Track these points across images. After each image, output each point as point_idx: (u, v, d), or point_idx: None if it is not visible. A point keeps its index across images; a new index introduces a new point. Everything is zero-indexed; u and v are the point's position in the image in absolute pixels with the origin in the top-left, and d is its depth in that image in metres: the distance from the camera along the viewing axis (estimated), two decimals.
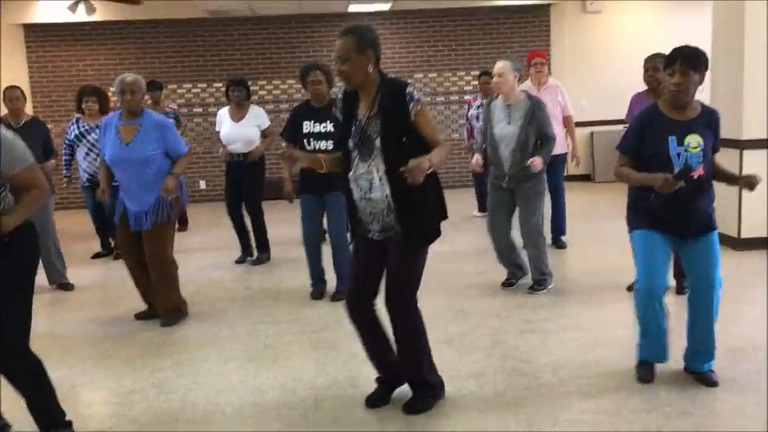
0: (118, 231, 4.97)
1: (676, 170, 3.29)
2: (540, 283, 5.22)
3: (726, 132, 6.38)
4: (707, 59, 3.33)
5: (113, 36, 10.77)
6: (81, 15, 9.31)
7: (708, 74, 6.85)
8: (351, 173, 3.17)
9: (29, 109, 9.91)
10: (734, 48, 6.29)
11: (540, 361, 3.92)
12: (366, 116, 3.11)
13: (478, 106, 7.87)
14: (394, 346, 3.35)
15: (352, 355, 4.12)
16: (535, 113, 4.94)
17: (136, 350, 4.41)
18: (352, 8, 10.65)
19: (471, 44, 11.18)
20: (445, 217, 3.27)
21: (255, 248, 6.64)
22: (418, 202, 3.09)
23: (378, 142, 3.06)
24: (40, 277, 5.77)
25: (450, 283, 5.56)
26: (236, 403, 3.55)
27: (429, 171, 2.94)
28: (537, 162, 4.90)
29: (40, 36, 10.67)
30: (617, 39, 10.85)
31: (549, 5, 11.12)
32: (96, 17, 9.74)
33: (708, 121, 3.40)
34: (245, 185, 6.50)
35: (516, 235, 5.31)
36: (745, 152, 6.24)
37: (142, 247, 4.83)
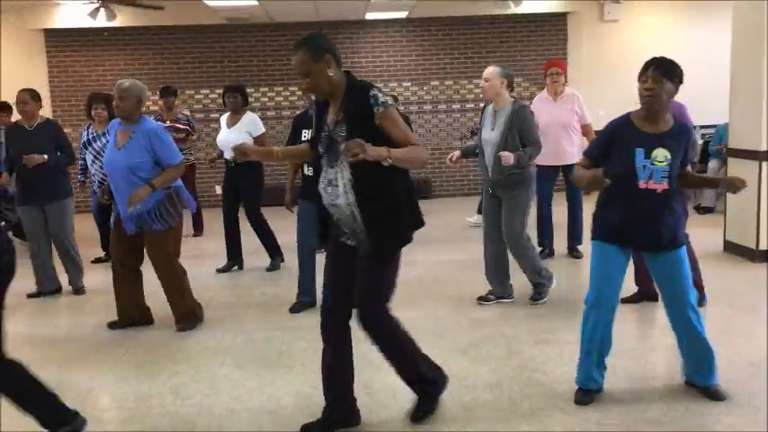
0: (112, 234, 4.96)
1: (641, 183, 3.28)
2: (538, 291, 5.19)
3: (745, 143, 6.40)
4: (681, 72, 3.33)
5: (132, 41, 10.88)
6: (101, 21, 9.40)
7: (726, 84, 6.84)
8: (320, 178, 3.14)
9: (47, 112, 10.04)
10: (754, 58, 6.25)
11: (555, 371, 3.90)
12: (333, 122, 3.07)
13: None
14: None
15: (367, 362, 4.10)
16: (514, 119, 4.95)
17: (152, 355, 4.45)
18: (370, 15, 10.70)
19: (488, 52, 11.18)
20: (419, 225, 3.17)
21: (268, 255, 6.66)
22: (384, 210, 3.02)
23: (342, 148, 2.97)
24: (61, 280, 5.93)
25: (464, 291, 5.54)
26: (252, 409, 3.57)
27: (388, 163, 2.88)
28: (505, 155, 4.86)
29: (60, 41, 10.79)
30: (634, 47, 10.79)
31: (566, 14, 11.11)
32: (116, 23, 9.84)
33: (679, 135, 3.36)
34: (242, 194, 6.51)
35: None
36: (765, 164, 6.20)
37: (130, 253, 4.85)
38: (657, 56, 3.36)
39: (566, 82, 6.76)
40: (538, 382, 3.77)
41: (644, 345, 4.39)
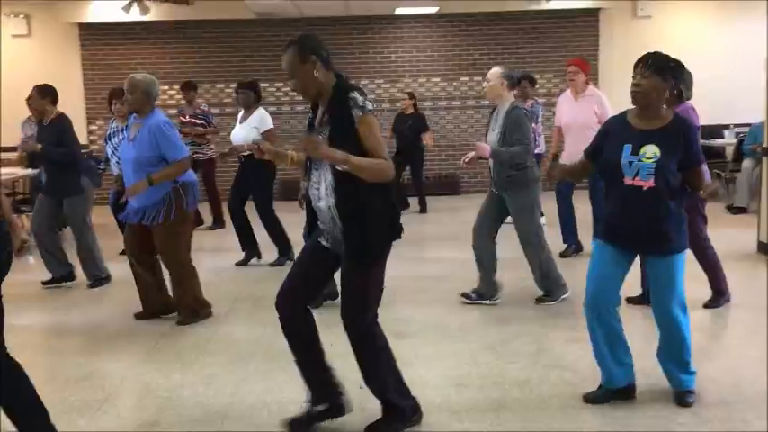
0: (126, 227, 5.03)
1: (627, 179, 3.24)
2: (547, 293, 5.17)
3: None
4: (676, 68, 3.28)
5: (164, 36, 10.99)
6: (134, 15, 9.52)
7: (763, 83, 6.72)
8: (309, 180, 3.13)
9: (73, 107, 10.16)
10: None
11: (585, 371, 3.87)
12: (319, 122, 3.07)
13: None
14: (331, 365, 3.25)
15: (397, 359, 4.14)
16: (507, 120, 4.94)
17: (184, 346, 4.50)
18: (399, 11, 10.69)
19: (518, 48, 11.12)
20: (395, 236, 3.10)
21: (277, 251, 6.67)
22: (361, 216, 2.96)
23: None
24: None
25: None
26: (282, 401, 3.60)
27: (343, 168, 2.87)
28: (478, 145, 4.96)
29: (94, 35, 10.93)
30: (667, 45, 10.51)
31: (598, 10, 11.01)
32: (149, 17, 9.95)
33: (675, 132, 3.24)
34: (252, 190, 6.54)
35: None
36: None
37: (143, 246, 4.87)
38: (652, 51, 3.31)
39: (587, 81, 6.59)
40: (568, 381, 3.75)
41: None
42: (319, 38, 3.09)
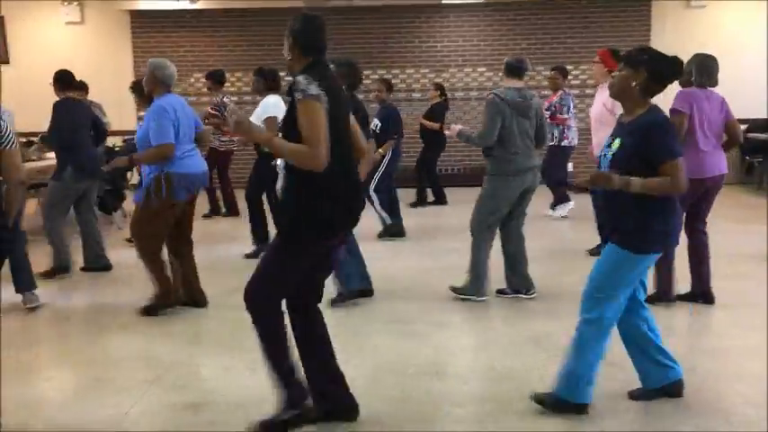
0: None
1: (601, 170, 3.23)
2: (465, 285, 5.06)
3: None
4: (653, 59, 3.12)
5: (213, 24, 11.11)
6: (184, 3, 9.65)
7: None
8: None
9: (124, 94, 10.21)
10: None
11: (632, 368, 3.79)
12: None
13: (556, 103, 7.87)
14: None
15: (439, 348, 4.15)
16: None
17: (228, 329, 4.59)
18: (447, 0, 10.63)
19: (567, 38, 10.96)
20: (349, 215, 3.06)
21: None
22: (297, 196, 2.94)
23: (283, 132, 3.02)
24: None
25: (540, 281, 5.46)
26: None
27: (267, 149, 2.89)
28: (451, 127, 5.11)
29: (145, 22, 11.12)
30: (722, 35, 10.40)
31: None
32: (198, 5, 10.08)
33: (638, 127, 3.11)
34: (251, 178, 6.56)
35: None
36: None
37: (170, 234, 4.92)
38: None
39: (610, 72, 6.35)
40: (614, 378, 3.69)
41: (723, 344, 4.24)
42: (317, 24, 3.04)
